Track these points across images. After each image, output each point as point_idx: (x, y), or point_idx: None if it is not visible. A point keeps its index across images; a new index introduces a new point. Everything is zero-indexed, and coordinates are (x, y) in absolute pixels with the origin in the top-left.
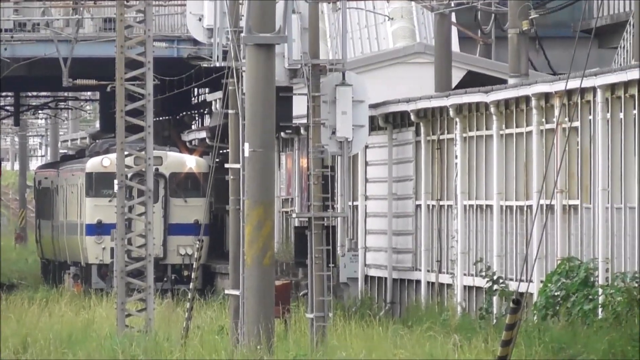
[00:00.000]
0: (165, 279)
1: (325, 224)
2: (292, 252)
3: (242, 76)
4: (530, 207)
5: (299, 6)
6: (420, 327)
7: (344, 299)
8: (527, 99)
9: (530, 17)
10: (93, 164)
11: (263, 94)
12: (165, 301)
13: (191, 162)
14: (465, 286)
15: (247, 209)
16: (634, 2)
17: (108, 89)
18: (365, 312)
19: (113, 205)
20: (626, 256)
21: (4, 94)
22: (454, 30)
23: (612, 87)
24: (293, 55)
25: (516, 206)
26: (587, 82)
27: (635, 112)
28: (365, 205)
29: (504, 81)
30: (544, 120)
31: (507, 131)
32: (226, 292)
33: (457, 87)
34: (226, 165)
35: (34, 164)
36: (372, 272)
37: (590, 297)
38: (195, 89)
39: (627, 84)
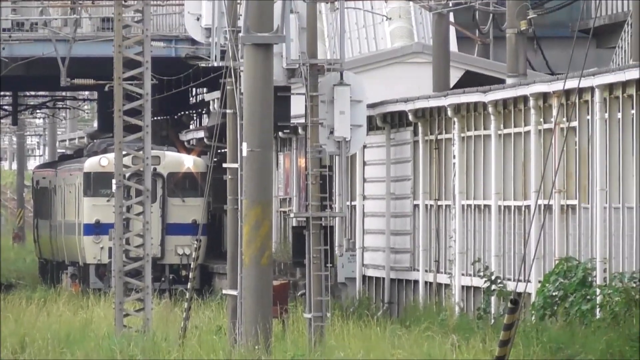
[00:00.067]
0: (163, 278)
1: (323, 224)
2: (290, 252)
3: (240, 76)
4: (528, 207)
5: (297, 6)
6: (418, 327)
7: (341, 299)
8: (525, 98)
9: (528, 17)
10: (91, 163)
11: (261, 93)
12: (163, 301)
13: (189, 162)
14: (463, 286)
15: (245, 208)
16: (632, 2)
17: (106, 89)
18: (363, 312)
19: (111, 205)
20: (624, 256)
21: (2, 93)
22: (452, 30)
23: (610, 87)
24: (291, 55)
25: (514, 206)
26: (585, 82)
27: (634, 112)
28: (363, 205)
29: (502, 81)
30: (542, 120)
31: (505, 131)
32: (224, 292)
33: (455, 87)
34: (224, 165)
35: (32, 164)
36: (370, 272)
37: (588, 297)
38: (193, 89)
39: (625, 84)
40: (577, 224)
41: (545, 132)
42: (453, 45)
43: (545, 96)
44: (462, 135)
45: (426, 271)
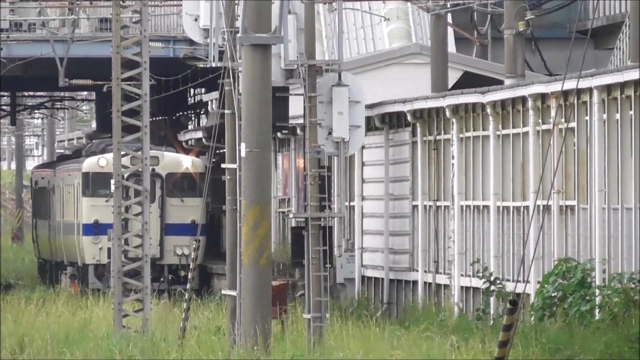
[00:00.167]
0: (162, 279)
1: (322, 225)
2: (289, 252)
3: (238, 76)
4: (527, 207)
5: (295, 6)
6: (417, 327)
7: (340, 299)
8: (523, 99)
9: (526, 18)
10: (90, 163)
11: (259, 94)
12: (162, 301)
13: (187, 162)
14: (462, 287)
15: (243, 209)
16: (629, 3)
17: (104, 89)
18: (362, 312)
19: (110, 205)
20: (623, 257)
21: (0, 93)
22: (450, 31)
23: (609, 88)
24: (289, 56)
25: (513, 207)
26: (584, 83)
27: (632, 112)
28: (362, 206)
29: (500, 82)
30: (540, 121)
31: (504, 132)
32: (223, 292)
33: (453, 88)
34: (223, 166)
35: (31, 164)
36: (369, 273)
37: (587, 298)
38: (192, 89)
39: (623, 85)
40: (576, 224)
41: (544, 133)
42: (451, 46)
43: (543, 97)
44: (461, 136)
45: (425, 272)
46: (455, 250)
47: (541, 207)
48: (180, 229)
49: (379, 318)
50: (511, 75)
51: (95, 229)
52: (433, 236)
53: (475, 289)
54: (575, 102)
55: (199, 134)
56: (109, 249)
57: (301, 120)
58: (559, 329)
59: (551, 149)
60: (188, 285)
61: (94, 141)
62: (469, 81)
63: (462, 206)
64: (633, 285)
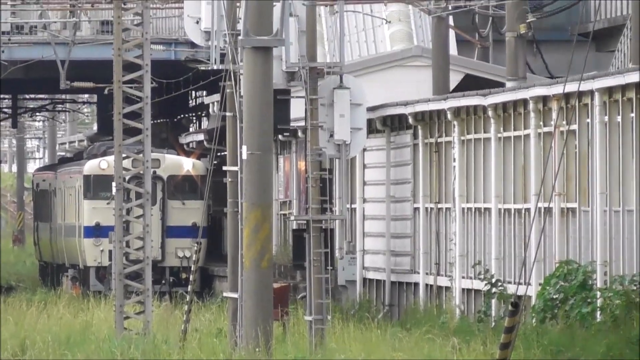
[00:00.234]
0: (163, 281)
1: (324, 227)
2: (290, 254)
3: (239, 79)
4: (528, 210)
5: (297, 9)
6: (418, 329)
7: (342, 301)
8: (524, 102)
9: (527, 21)
10: (91, 166)
11: (261, 96)
12: (163, 304)
13: (189, 165)
14: (463, 289)
15: (245, 211)
16: (631, 5)
17: (106, 92)
18: (364, 314)
19: (111, 207)
20: (624, 259)
21: (1, 96)
22: (452, 34)
23: (610, 91)
24: (291, 58)
25: (514, 209)
26: (585, 86)
27: (633, 115)
28: (364, 208)
29: (502, 84)
30: (541, 123)
31: (505, 134)
32: (224, 294)
33: (454, 90)
34: (224, 168)
35: (32, 167)
36: (371, 275)
37: (589, 300)
38: (193, 92)
39: (624, 87)
40: (577, 227)
41: (545, 135)
42: (453, 49)
43: (545, 99)
44: (462, 138)
45: (427, 274)
46: (456, 252)
47: (542, 210)
48: (181, 232)
49: (381, 320)
50: (512, 77)
51: (97, 231)
52: (434, 238)
53: (477, 291)
54: (577, 104)
55: (201, 137)
56: (110, 251)
57: (302, 123)
58: (560, 331)
59: (552, 151)
60: (189, 288)
61: (95, 144)
62: (470, 84)
63: (463, 208)
64: (634, 288)
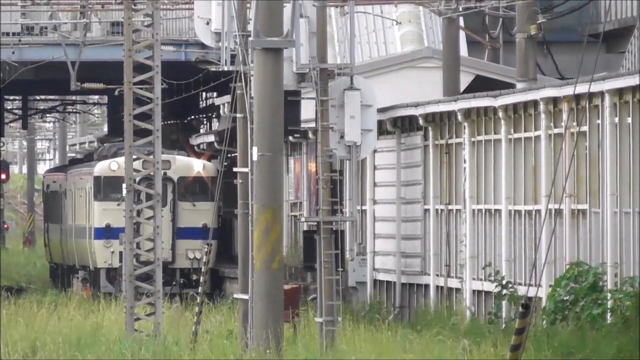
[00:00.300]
0: (173, 283)
1: (334, 228)
2: (300, 256)
3: (250, 80)
4: (538, 211)
5: (307, 10)
6: (429, 331)
7: (352, 303)
8: (535, 103)
9: (538, 22)
10: (101, 167)
11: (271, 98)
12: (174, 305)
13: (199, 166)
14: (474, 290)
15: (255, 213)
16: None
17: (116, 93)
18: (374, 316)
19: (121, 209)
20: (635, 261)
21: (11, 97)
22: (462, 35)
23: (620, 92)
24: (301, 60)
25: (525, 210)
26: (595, 87)
27: None
28: (374, 210)
29: (512, 86)
30: (552, 124)
31: (516, 135)
32: (235, 296)
33: (465, 92)
34: (234, 169)
35: (42, 168)
36: (381, 277)
37: (599, 301)
38: (203, 93)
39: (635, 89)
40: (588, 228)
41: (556, 136)
42: (463, 50)
43: (555, 101)
44: (473, 139)
45: (437, 275)
46: (467, 254)
47: (553, 211)
48: (192, 233)
49: (391, 322)
50: (523, 78)
51: (107, 232)
52: (445, 240)
53: (487, 293)
54: (587, 105)
55: (211, 138)
56: (120, 253)
57: (313, 124)
58: (570, 333)
59: (563, 152)
60: (200, 289)
61: (105, 145)
62: (480, 85)
63: (473, 210)
64: None
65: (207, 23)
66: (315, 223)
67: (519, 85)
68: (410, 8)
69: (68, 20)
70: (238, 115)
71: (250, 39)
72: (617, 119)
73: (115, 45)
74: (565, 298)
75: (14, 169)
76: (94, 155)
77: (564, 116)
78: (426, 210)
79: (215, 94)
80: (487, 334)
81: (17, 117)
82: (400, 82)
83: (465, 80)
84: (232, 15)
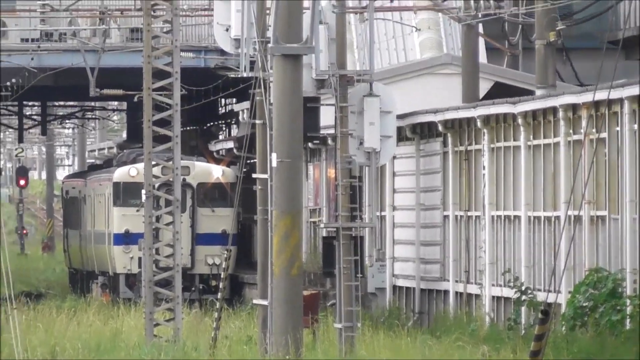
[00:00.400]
0: (193, 288)
1: (353, 234)
2: (320, 262)
3: (269, 86)
4: (558, 217)
5: (326, 17)
6: (448, 337)
7: (372, 309)
8: (554, 110)
9: (557, 28)
10: (120, 173)
11: (290, 104)
12: (193, 311)
13: (218, 172)
14: (493, 297)
15: (274, 219)
16: None
17: (135, 99)
18: (394, 322)
19: (141, 214)
20: None
21: (31, 103)
22: (481, 41)
23: (639, 99)
24: (320, 66)
25: (544, 217)
26: (615, 94)
27: None
28: (393, 216)
29: (531, 92)
30: (571, 131)
31: (535, 142)
32: (254, 302)
33: (484, 98)
34: (254, 175)
35: (61, 174)
36: (400, 282)
37: (618, 307)
38: (223, 99)
39: None
40: (607, 234)
41: (575, 143)
42: (482, 57)
43: (574, 107)
44: (492, 146)
45: (456, 281)
46: (486, 260)
47: (572, 218)
48: (211, 239)
49: (410, 328)
50: (542, 85)
51: (126, 238)
52: (464, 246)
53: (507, 299)
54: (606, 112)
55: (230, 144)
56: (139, 259)
57: (332, 131)
58: (590, 339)
59: (582, 159)
60: (219, 295)
61: (124, 151)
62: (500, 91)
63: (493, 216)
64: None
65: (227, 30)
66: (335, 229)
67: (538, 92)
68: (429, 15)
69: (87, 27)
70: (257, 121)
71: (269, 45)
72: (636, 126)
73: (135, 52)
74: (584, 304)
75: (34, 175)
76: (113, 161)
77: (583, 123)
78: (445, 217)
79: (234, 100)
80: (506, 340)
81: (36, 123)
82: (420, 88)
83: (484, 86)
84: (252, 21)
